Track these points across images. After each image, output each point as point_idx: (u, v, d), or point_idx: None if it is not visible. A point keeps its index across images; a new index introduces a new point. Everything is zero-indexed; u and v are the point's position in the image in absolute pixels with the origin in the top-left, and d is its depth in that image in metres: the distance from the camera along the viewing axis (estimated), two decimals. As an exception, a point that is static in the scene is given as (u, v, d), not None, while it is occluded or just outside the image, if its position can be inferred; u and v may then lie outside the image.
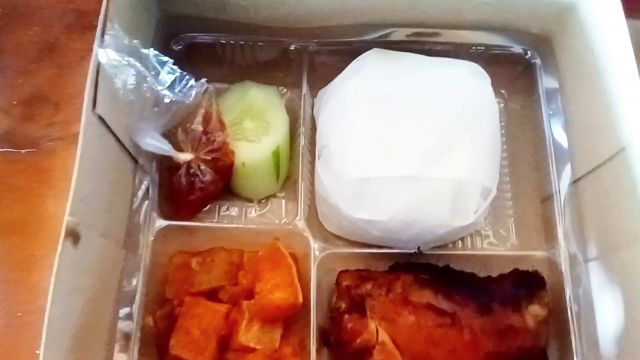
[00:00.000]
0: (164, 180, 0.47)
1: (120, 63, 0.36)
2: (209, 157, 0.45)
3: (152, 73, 0.37)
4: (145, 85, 0.37)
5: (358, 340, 0.39)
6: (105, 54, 0.36)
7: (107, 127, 0.38)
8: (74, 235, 0.33)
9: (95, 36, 0.36)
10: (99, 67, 0.36)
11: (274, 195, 0.50)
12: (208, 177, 0.45)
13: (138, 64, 0.36)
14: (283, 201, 0.50)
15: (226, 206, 0.49)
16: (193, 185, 0.46)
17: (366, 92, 0.44)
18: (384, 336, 0.39)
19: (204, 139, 0.45)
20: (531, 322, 0.40)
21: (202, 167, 0.45)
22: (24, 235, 0.48)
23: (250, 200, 0.50)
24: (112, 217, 0.39)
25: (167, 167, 0.47)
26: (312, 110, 0.50)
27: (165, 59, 0.37)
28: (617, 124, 0.40)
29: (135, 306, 0.42)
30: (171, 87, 0.38)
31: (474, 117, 0.44)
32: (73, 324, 0.33)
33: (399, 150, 0.42)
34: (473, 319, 0.40)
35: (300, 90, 0.50)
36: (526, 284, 0.42)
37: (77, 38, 0.55)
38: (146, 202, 0.45)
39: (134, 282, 0.42)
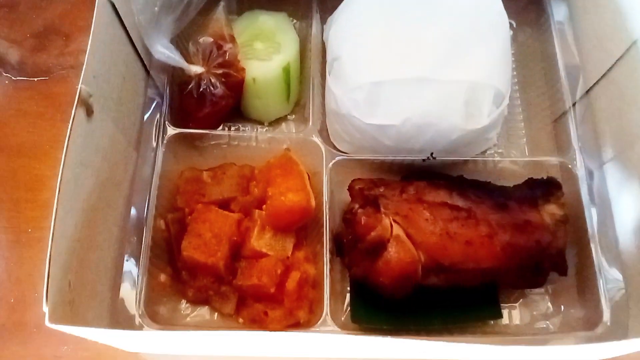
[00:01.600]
0: (174, 96, 0.47)
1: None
2: (219, 71, 0.45)
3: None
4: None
5: (372, 234, 0.38)
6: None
7: (121, 22, 0.38)
8: (87, 107, 0.33)
9: None
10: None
11: (284, 118, 0.50)
12: (219, 91, 0.45)
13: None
14: (293, 124, 0.50)
15: (237, 127, 0.49)
16: (204, 99, 0.45)
17: (378, 4, 0.45)
18: (398, 230, 0.38)
19: (215, 52, 0.45)
20: (548, 220, 0.39)
21: (213, 80, 0.45)
22: (34, 157, 0.48)
23: (260, 123, 0.49)
24: (123, 113, 0.39)
25: (177, 83, 0.47)
26: (322, 37, 0.50)
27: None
28: (627, 20, 0.40)
29: (148, 208, 0.41)
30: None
31: (486, 25, 0.44)
32: (84, 198, 0.33)
33: (411, 54, 0.42)
34: (489, 214, 0.39)
35: (309, 20, 0.50)
36: (542, 186, 0.41)
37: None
38: (157, 115, 0.45)
39: (146, 185, 0.42)
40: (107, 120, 0.36)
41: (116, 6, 0.37)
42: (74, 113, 0.32)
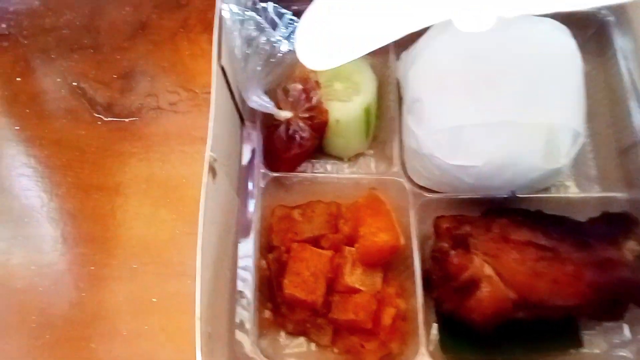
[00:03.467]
0: (264, 138, 0.50)
1: (241, 16, 0.39)
2: (306, 115, 0.48)
3: (270, 26, 0.40)
4: (264, 38, 0.40)
5: (465, 274, 0.41)
6: (227, 8, 0.39)
7: (226, 79, 0.41)
8: (213, 171, 0.36)
9: None
10: (221, 21, 0.39)
11: (362, 154, 0.53)
12: (306, 134, 0.48)
13: (258, 17, 0.39)
14: (372, 159, 0.53)
15: (319, 164, 0.52)
16: (292, 141, 0.48)
17: (455, 48, 0.47)
18: (489, 270, 0.41)
19: (302, 97, 0.48)
20: (629, 256, 0.42)
21: (301, 124, 0.48)
22: (131, 195, 0.51)
23: (340, 158, 0.52)
24: (231, 165, 0.42)
25: (265, 125, 0.50)
26: (395, 73, 0.53)
27: (284, 11, 0.40)
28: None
29: (252, 251, 0.45)
30: (288, 38, 0.41)
31: (561, 66, 0.46)
32: (211, 253, 0.36)
33: (490, 98, 0.45)
34: (572, 253, 0.42)
35: (385, 56, 0.53)
36: (619, 222, 0.44)
37: (167, 16, 0.59)
38: (252, 160, 0.48)
39: (248, 229, 0.45)
40: (223, 177, 0.39)
41: (225, 70, 0.40)
42: (205, 180, 0.35)
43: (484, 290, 0.41)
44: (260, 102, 0.45)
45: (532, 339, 0.44)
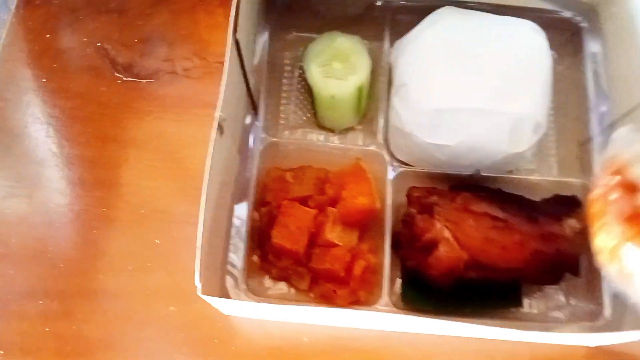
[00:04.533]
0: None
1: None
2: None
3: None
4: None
5: (427, 236, 0.48)
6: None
7: (239, 52, 0.47)
8: (221, 128, 0.42)
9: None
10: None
11: (352, 128, 0.59)
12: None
13: None
14: (360, 133, 0.59)
15: (313, 134, 0.59)
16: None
17: (441, 41, 0.53)
18: (448, 234, 0.48)
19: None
20: (569, 232, 0.49)
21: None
22: (144, 149, 0.57)
23: (332, 131, 0.59)
24: (236, 127, 0.49)
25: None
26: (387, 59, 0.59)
27: None
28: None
29: (247, 204, 0.51)
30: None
31: (532, 64, 0.52)
32: (213, 198, 0.43)
33: (467, 87, 0.51)
34: (522, 225, 0.48)
35: (380, 42, 0.59)
36: (566, 203, 0.51)
37: (190, -13, 0.64)
38: (253, 125, 0.54)
39: (245, 184, 0.52)
40: (228, 136, 0.45)
41: (239, 42, 0.46)
42: (214, 135, 0.41)
43: (442, 250, 0.48)
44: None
45: (480, 296, 0.51)
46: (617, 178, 0.17)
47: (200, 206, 0.40)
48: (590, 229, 0.18)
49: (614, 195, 0.17)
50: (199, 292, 0.38)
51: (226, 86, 0.43)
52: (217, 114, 0.41)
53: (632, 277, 0.17)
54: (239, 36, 0.44)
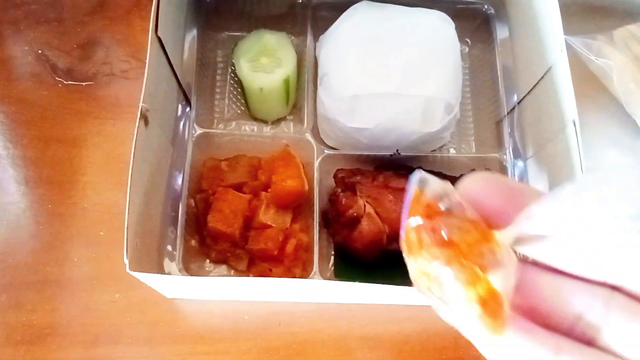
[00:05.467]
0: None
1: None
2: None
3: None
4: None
5: (350, 211, 0.52)
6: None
7: (163, 49, 0.50)
8: (145, 118, 0.45)
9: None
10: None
11: (283, 118, 0.63)
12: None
13: None
14: (291, 123, 0.63)
15: (247, 125, 0.62)
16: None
17: (357, 33, 0.57)
18: (369, 209, 0.52)
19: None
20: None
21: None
22: (85, 147, 0.60)
23: (265, 122, 0.62)
24: (165, 119, 0.52)
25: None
26: (314, 53, 0.63)
27: None
28: (546, 48, 0.53)
29: (182, 191, 0.54)
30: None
31: (441, 50, 0.56)
32: (143, 184, 0.46)
33: (382, 74, 0.55)
34: (437, 197, 0.53)
35: (304, 37, 0.63)
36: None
37: (122, -5, 0.68)
38: (186, 118, 0.58)
39: (180, 173, 0.55)
40: (155, 127, 0.48)
41: (162, 39, 0.49)
42: (138, 124, 0.44)
43: (364, 224, 0.52)
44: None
45: (406, 266, 0.55)
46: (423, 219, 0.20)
47: (127, 190, 0.43)
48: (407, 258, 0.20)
49: (425, 227, 0.19)
50: (127, 269, 0.41)
51: (151, 80, 0.46)
52: (140, 104, 0.45)
53: (446, 300, 0.19)
54: (160, 34, 0.48)
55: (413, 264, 0.20)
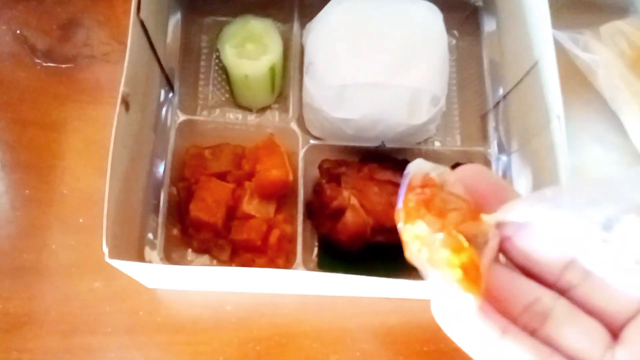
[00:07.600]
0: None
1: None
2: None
3: None
4: None
5: (335, 203, 0.52)
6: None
7: (146, 32, 0.49)
8: (126, 104, 0.44)
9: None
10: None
11: (269, 107, 0.62)
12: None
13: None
14: (276, 112, 0.62)
15: (231, 113, 0.61)
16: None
17: (345, 21, 0.56)
18: (354, 200, 0.52)
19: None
20: (465, 195, 0.53)
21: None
22: (64, 132, 0.59)
23: (250, 110, 0.61)
24: (146, 104, 0.51)
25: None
26: (301, 40, 0.62)
27: None
28: (532, 42, 0.52)
29: (164, 178, 0.53)
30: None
31: (428, 41, 0.56)
32: (123, 170, 0.45)
33: (368, 64, 0.54)
34: (421, 190, 0.52)
35: (291, 24, 0.62)
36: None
37: (106, -26, 0.66)
38: (169, 104, 0.56)
39: (162, 161, 0.54)
40: (137, 112, 0.47)
41: (144, 23, 0.48)
42: (118, 109, 0.43)
43: (348, 216, 0.51)
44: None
45: (390, 259, 0.55)
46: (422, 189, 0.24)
47: (107, 176, 0.42)
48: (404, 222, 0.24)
49: (424, 198, 0.23)
50: (106, 258, 0.40)
51: (133, 64, 0.45)
52: (121, 88, 0.43)
53: (433, 262, 0.23)
54: (142, 16, 0.46)
55: (409, 229, 0.23)
